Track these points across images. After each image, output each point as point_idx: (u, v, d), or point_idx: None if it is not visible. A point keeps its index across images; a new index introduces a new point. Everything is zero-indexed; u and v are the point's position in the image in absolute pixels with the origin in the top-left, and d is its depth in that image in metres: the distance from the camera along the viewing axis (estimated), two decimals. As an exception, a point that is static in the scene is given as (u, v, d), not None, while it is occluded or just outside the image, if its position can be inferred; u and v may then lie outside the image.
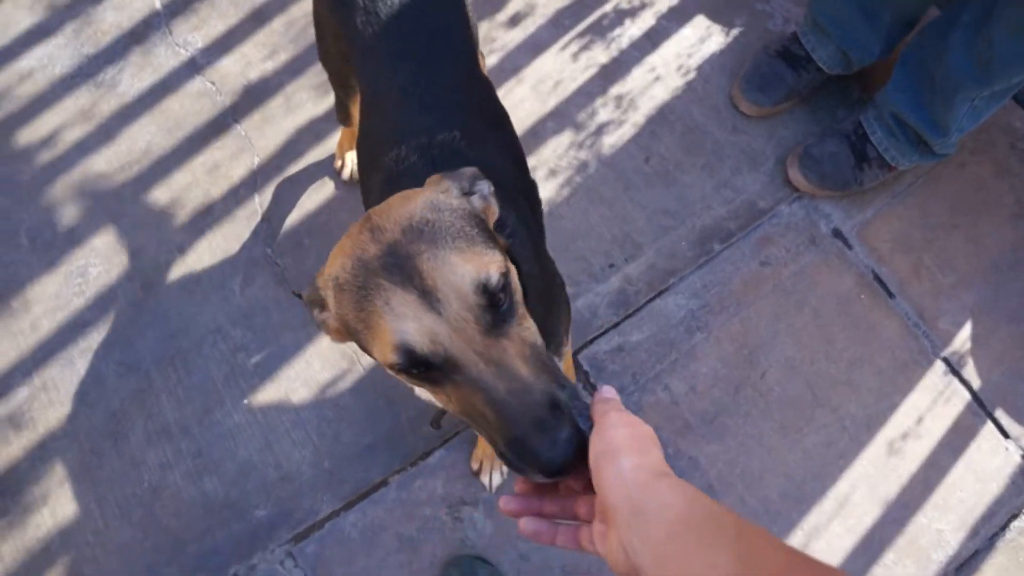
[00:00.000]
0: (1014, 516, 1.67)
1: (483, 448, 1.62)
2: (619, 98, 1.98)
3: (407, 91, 1.17)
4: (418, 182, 1.03)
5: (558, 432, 0.66)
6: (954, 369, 1.76)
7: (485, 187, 0.85)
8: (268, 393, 1.73)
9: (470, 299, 0.70)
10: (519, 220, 1.11)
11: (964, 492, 1.68)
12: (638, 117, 1.96)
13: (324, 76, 1.59)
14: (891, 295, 1.81)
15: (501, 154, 1.23)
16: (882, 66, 1.87)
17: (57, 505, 1.66)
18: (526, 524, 0.70)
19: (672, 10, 2.06)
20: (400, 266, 0.71)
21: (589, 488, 0.65)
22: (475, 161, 1.11)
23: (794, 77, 1.90)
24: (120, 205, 1.89)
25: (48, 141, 1.95)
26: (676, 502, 0.57)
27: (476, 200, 0.83)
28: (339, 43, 1.31)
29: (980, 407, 1.74)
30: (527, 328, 0.75)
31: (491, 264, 0.73)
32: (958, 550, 1.63)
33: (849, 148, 1.83)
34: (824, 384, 1.74)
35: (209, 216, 1.88)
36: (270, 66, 2.01)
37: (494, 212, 0.85)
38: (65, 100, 1.99)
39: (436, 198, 0.78)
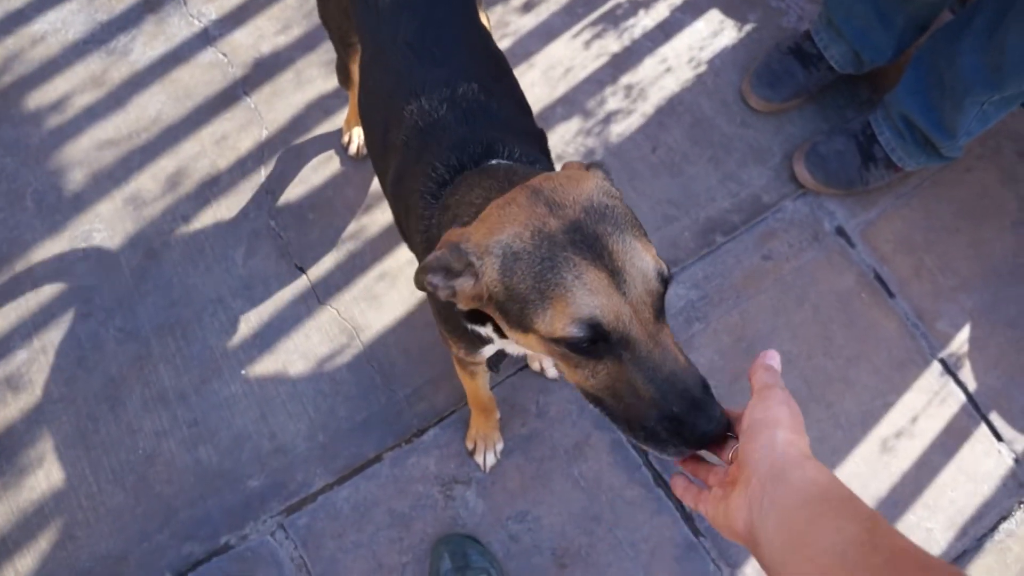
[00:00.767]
0: (1004, 518, 1.68)
1: (477, 428, 1.63)
2: (629, 87, 1.98)
3: (413, 45, 1.17)
4: (454, 134, 1.04)
5: (713, 410, 0.74)
6: (951, 370, 1.77)
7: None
8: (266, 365, 1.74)
9: (652, 285, 0.76)
10: (550, 169, 1.12)
11: (955, 492, 1.69)
12: (647, 107, 1.96)
13: (335, 53, 1.59)
14: (891, 295, 1.82)
15: (515, 107, 1.24)
16: (893, 68, 1.88)
17: (52, 468, 1.67)
18: (678, 482, 0.79)
19: (686, 3, 2.07)
20: (589, 244, 0.75)
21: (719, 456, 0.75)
22: (498, 114, 1.12)
23: (805, 75, 1.90)
24: (127, 172, 1.90)
25: (58, 106, 1.96)
26: (819, 478, 0.61)
27: None
28: None
29: (975, 409, 1.74)
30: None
31: (658, 257, 0.79)
32: (946, 549, 1.64)
33: (856, 147, 1.83)
34: (820, 380, 1.75)
35: (215, 186, 1.88)
36: (282, 40, 2.02)
37: None
38: (76, 66, 2.00)
39: (606, 186, 0.83)
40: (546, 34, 2.03)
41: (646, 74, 1.99)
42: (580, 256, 0.75)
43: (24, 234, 1.84)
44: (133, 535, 1.62)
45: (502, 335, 0.93)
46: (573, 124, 1.94)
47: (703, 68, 2.00)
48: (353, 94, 1.68)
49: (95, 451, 1.69)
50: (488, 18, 1.67)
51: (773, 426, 0.66)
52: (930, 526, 1.66)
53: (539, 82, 1.98)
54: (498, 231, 0.79)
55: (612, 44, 2.02)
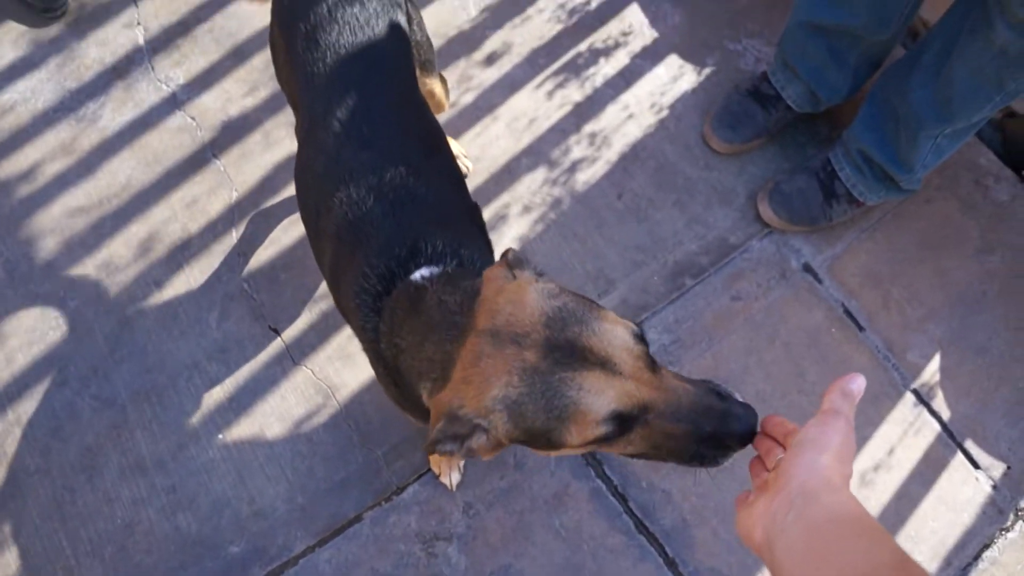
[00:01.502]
0: (986, 546, 1.69)
1: (437, 457, 1.62)
2: (593, 135, 2.02)
3: (343, 122, 1.17)
4: (381, 230, 1.07)
5: (732, 407, 0.81)
6: (924, 401, 1.79)
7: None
8: (242, 428, 1.73)
9: (636, 350, 0.81)
10: (479, 250, 1.13)
11: (936, 523, 1.70)
12: (611, 154, 1.99)
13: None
14: (861, 328, 1.84)
15: (445, 183, 1.24)
16: (850, 105, 1.92)
17: (28, 541, 1.65)
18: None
19: (646, 50, 2.11)
20: (570, 354, 0.79)
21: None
22: (427, 198, 1.13)
23: (764, 115, 1.94)
24: (98, 239, 1.90)
25: (28, 175, 1.97)
26: (851, 505, 0.62)
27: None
28: (289, 66, 1.30)
29: (950, 438, 1.76)
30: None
31: (621, 319, 0.83)
32: (929, 583, 1.64)
33: (818, 184, 1.87)
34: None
35: (187, 250, 1.89)
36: (250, 102, 2.04)
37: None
38: (46, 134, 2.01)
39: (540, 287, 0.85)
40: (509, 86, 2.06)
41: (609, 121, 2.03)
42: (571, 370, 0.78)
43: (-4, 306, 1.84)
44: (112, 609, 1.60)
45: None
46: (539, 174, 1.97)
47: (665, 113, 2.04)
48: None
49: (72, 522, 1.67)
50: (443, 78, 1.69)
51: (821, 449, 0.66)
52: (915, 558, 1.66)
53: (504, 134, 2.01)
54: (488, 388, 0.80)
55: (575, 93, 2.06)
